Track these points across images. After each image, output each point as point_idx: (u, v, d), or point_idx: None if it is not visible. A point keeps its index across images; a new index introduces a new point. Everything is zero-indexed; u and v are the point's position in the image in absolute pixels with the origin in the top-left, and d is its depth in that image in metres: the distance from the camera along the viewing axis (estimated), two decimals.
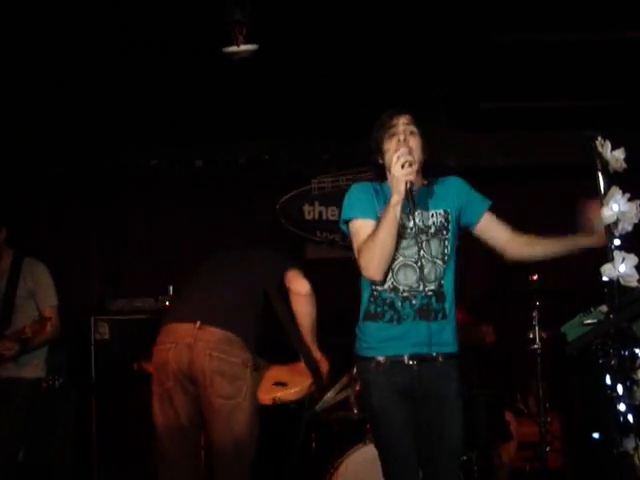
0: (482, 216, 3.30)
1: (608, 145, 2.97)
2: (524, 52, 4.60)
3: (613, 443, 3.07)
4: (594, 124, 4.41)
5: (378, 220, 3.12)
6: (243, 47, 4.19)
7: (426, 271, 3.15)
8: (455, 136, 5.71)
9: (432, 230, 3.20)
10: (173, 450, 3.64)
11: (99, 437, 5.22)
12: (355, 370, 3.48)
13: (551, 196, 5.91)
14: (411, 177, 3.01)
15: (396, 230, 3.07)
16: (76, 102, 5.13)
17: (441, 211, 3.24)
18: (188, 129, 5.65)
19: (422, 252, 3.15)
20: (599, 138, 3.00)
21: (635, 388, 3.02)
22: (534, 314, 4.91)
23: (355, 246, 3.21)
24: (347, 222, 3.27)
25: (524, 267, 4.85)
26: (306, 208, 6.00)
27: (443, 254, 3.21)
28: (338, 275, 5.86)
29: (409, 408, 3.17)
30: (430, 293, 3.18)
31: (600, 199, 2.99)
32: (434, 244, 3.20)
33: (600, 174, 3.00)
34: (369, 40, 4.53)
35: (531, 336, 4.84)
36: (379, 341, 3.20)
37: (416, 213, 3.13)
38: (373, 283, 3.18)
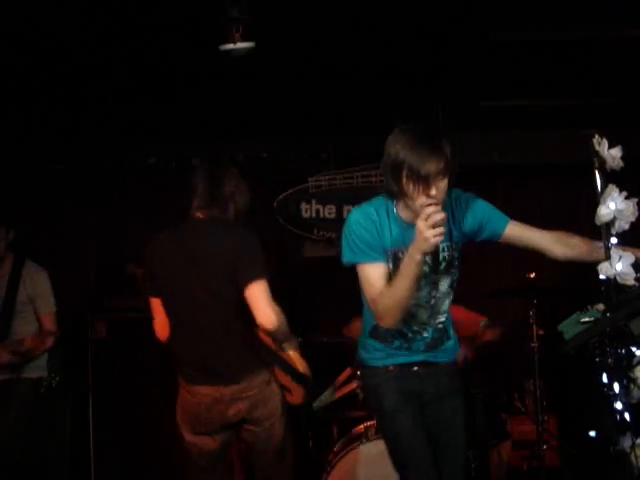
0: (504, 230, 3.14)
1: (605, 143, 2.97)
2: (521, 51, 4.59)
3: (610, 441, 3.08)
4: (591, 122, 4.40)
5: (387, 261, 2.97)
6: (240, 45, 4.18)
7: (438, 306, 3.13)
8: (452, 134, 5.69)
9: (442, 267, 3.08)
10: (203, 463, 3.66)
11: (97, 436, 5.22)
12: (359, 377, 3.36)
13: (547, 195, 5.91)
14: (440, 238, 2.75)
15: (415, 284, 2.88)
16: (74, 100, 5.12)
17: (448, 243, 3.06)
18: (186, 127, 5.64)
19: (434, 292, 3.10)
20: (596, 136, 2.99)
21: (632, 386, 3.02)
22: (531, 312, 4.91)
23: (366, 291, 3.02)
24: (351, 265, 3.05)
25: (521, 265, 4.89)
26: (303, 206, 5.99)
27: (452, 286, 3.16)
28: (335, 273, 5.86)
29: (417, 409, 3.17)
30: (440, 326, 3.18)
31: (597, 197, 2.99)
32: (444, 281, 3.12)
33: (597, 172, 3.00)
34: (367, 38, 4.52)
35: (528, 334, 4.86)
36: (387, 355, 3.17)
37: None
38: None
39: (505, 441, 4.82)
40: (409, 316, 3.08)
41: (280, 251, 5.97)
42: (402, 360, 3.18)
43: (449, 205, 3.07)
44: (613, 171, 2.98)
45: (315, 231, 6.01)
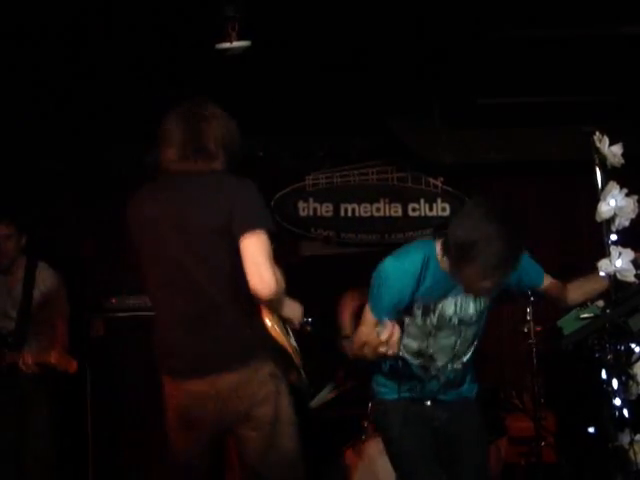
0: (542, 284, 3.20)
1: (606, 140, 2.98)
2: (519, 48, 4.60)
3: (608, 437, 3.09)
4: (590, 120, 4.41)
5: (402, 309, 2.95)
6: (236, 43, 4.18)
7: (460, 351, 3.10)
8: (450, 132, 5.71)
9: (473, 319, 3.07)
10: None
11: (94, 435, 5.21)
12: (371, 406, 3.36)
13: (547, 192, 5.92)
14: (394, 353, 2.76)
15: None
16: (72, 101, 5.11)
17: (487, 299, 3.07)
18: None
19: (459, 340, 3.09)
20: (597, 133, 3.01)
21: (630, 383, 3.04)
22: (528, 309, 4.92)
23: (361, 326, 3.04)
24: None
25: None
26: (300, 205, 5.99)
27: (477, 334, 3.14)
28: (332, 271, 5.87)
29: (426, 432, 3.14)
30: (458, 367, 3.15)
31: (598, 194, 3.00)
32: (472, 329, 3.11)
33: (598, 169, 3.01)
34: (364, 36, 4.52)
35: (525, 331, 4.86)
36: (398, 391, 3.13)
37: (461, 301, 3.00)
38: (402, 348, 2.99)
39: (502, 437, 4.83)
40: (430, 361, 3.08)
41: (277, 250, 5.96)
42: (413, 395, 3.15)
43: None
44: (614, 168, 2.99)
45: (312, 229, 6.01)
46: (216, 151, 2.94)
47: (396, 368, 3.10)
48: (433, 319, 3.01)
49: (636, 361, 3.04)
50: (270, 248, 2.79)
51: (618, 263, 2.92)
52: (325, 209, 6.00)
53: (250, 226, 2.77)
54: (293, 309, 3.01)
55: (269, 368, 2.84)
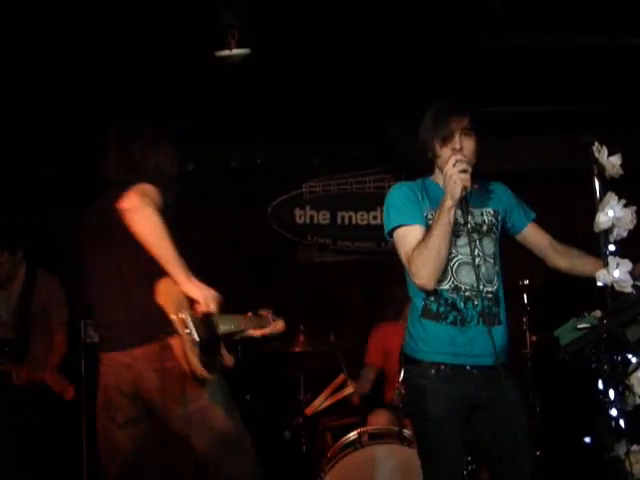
0: (527, 225, 3.30)
1: (605, 151, 2.99)
2: (518, 57, 4.61)
3: (605, 448, 3.08)
4: (589, 129, 4.42)
5: (427, 225, 3.06)
6: (235, 51, 4.19)
7: (483, 270, 3.09)
8: None
9: (484, 228, 3.15)
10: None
11: (89, 441, 5.18)
12: (404, 372, 3.22)
13: (544, 201, 5.90)
14: (467, 183, 2.95)
15: (450, 235, 2.99)
16: (67, 103, 5.10)
17: (491, 210, 3.21)
18: (179, 132, 5.62)
19: (477, 250, 3.10)
20: (596, 144, 3.01)
21: (627, 393, 3.03)
22: (524, 319, 4.92)
23: (402, 253, 3.09)
24: (392, 231, 3.13)
25: (514, 271, 4.89)
26: (297, 212, 5.99)
27: (494, 254, 3.16)
28: (329, 279, 5.88)
29: (463, 419, 3.09)
30: (490, 295, 3.11)
31: (596, 205, 3.01)
32: (487, 243, 3.14)
33: (596, 180, 3.02)
34: (362, 44, 4.53)
35: (522, 340, 4.87)
36: (442, 347, 3.08)
37: (469, 210, 3.08)
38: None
39: None
40: (458, 276, 3.07)
41: (274, 257, 5.97)
42: (457, 360, 3.07)
43: (486, 187, 3.29)
44: (612, 178, 2.99)
45: (309, 237, 6.01)
46: (138, 170, 3.33)
47: (432, 308, 3.08)
48: None
49: (633, 372, 3.03)
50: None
51: (616, 274, 2.92)
52: (322, 217, 6.00)
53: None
54: (201, 291, 3.13)
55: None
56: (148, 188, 3.11)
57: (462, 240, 3.08)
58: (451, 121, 3.09)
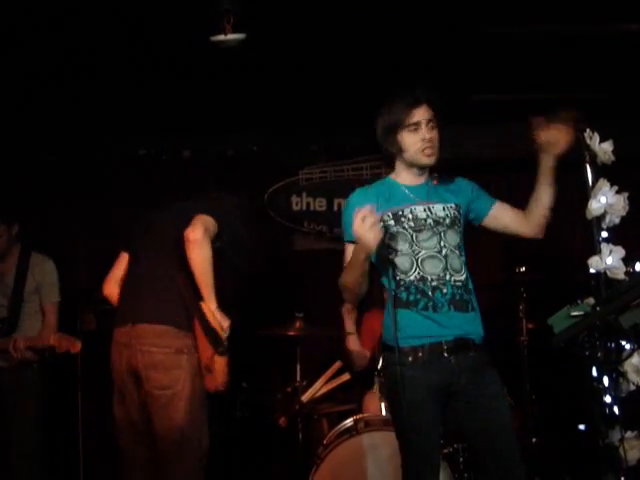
0: (489, 210, 3.35)
1: (596, 137, 2.98)
2: (513, 44, 4.59)
3: (599, 435, 3.09)
4: (586, 117, 4.40)
5: (385, 225, 3.14)
6: (231, 36, 4.17)
7: (450, 260, 3.16)
8: (443, 128, 5.69)
9: (447, 221, 3.21)
10: (128, 442, 3.75)
11: (85, 429, 5.20)
12: (382, 360, 3.34)
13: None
14: (379, 237, 2.99)
15: (364, 274, 3.11)
16: (65, 92, 5.09)
17: (452, 204, 3.26)
18: (176, 119, 5.62)
19: (443, 242, 3.17)
20: (587, 130, 3.01)
21: (621, 380, 3.05)
22: (521, 306, 4.92)
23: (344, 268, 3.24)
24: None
25: (510, 258, 4.89)
26: (294, 199, 5.98)
27: (459, 246, 3.24)
28: (325, 266, 5.86)
29: (441, 406, 3.15)
30: (459, 284, 3.18)
31: (588, 191, 3.00)
32: (451, 235, 3.21)
33: (588, 166, 3.02)
34: (357, 30, 4.51)
35: (518, 328, 4.86)
36: (415, 331, 3.15)
37: (429, 205, 3.19)
38: (395, 271, 3.18)
39: None
40: (424, 267, 3.15)
41: (270, 244, 5.96)
42: (432, 339, 3.13)
43: (447, 181, 3.35)
44: (604, 165, 2.99)
45: (305, 224, 6.00)
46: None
47: (402, 296, 3.17)
48: (409, 222, 3.17)
49: (626, 358, 3.04)
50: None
51: (609, 260, 2.93)
52: (319, 204, 5.99)
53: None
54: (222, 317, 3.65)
55: (176, 341, 3.57)
56: (210, 222, 3.63)
57: (425, 234, 3.17)
58: (413, 112, 3.19)
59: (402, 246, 3.19)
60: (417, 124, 3.17)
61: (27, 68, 4.72)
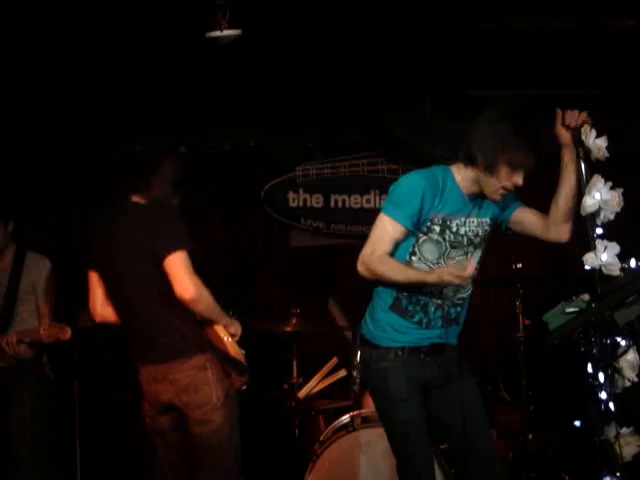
0: (512, 215, 3.27)
1: (592, 133, 2.97)
2: (510, 39, 4.59)
3: (594, 431, 3.09)
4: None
5: (426, 228, 3.05)
6: (226, 32, 4.16)
7: (466, 282, 3.09)
8: (442, 124, 5.69)
9: (477, 240, 3.16)
10: (163, 451, 3.74)
11: (82, 424, 5.20)
12: (361, 353, 3.31)
13: (534, 184, 5.88)
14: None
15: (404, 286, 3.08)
16: (61, 89, 5.08)
17: (488, 220, 3.20)
18: (173, 115, 5.61)
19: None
20: (583, 126, 3.00)
21: (616, 376, 3.04)
22: (517, 302, 4.91)
23: (372, 241, 3.09)
24: (382, 213, 3.12)
25: (507, 254, 4.88)
26: (291, 195, 5.97)
27: (480, 262, 3.22)
28: (322, 263, 5.86)
29: (422, 399, 3.20)
30: (460, 302, 3.20)
31: (582, 187, 2.99)
32: (477, 254, 3.18)
33: (582, 162, 3.01)
34: (354, 27, 4.51)
35: (514, 324, 4.86)
36: (400, 338, 3.16)
37: (469, 220, 3.11)
38: None
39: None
40: (437, 288, 3.10)
41: (267, 240, 5.96)
42: (415, 337, 3.15)
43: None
44: (598, 161, 2.98)
45: (302, 220, 5.99)
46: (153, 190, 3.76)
47: (403, 304, 3.14)
48: (450, 235, 3.08)
49: (622, 354, 3.04)
50: (189, 262, 3.44)
51: (604, 257, 2.92)
52: (315, 200, 5.98)
53: (172, 249, 3.43)
54: (232, 322, 3.65)
55: (196, 361, 3.50)
56: (186, 261, 3.42)
57: (457, 252, 3.12)
58: (531, 159, 3.00)
59: (431, 255, 3.11)
60: (520, 173, 3.02)
61: (24, 62, 4.72)
